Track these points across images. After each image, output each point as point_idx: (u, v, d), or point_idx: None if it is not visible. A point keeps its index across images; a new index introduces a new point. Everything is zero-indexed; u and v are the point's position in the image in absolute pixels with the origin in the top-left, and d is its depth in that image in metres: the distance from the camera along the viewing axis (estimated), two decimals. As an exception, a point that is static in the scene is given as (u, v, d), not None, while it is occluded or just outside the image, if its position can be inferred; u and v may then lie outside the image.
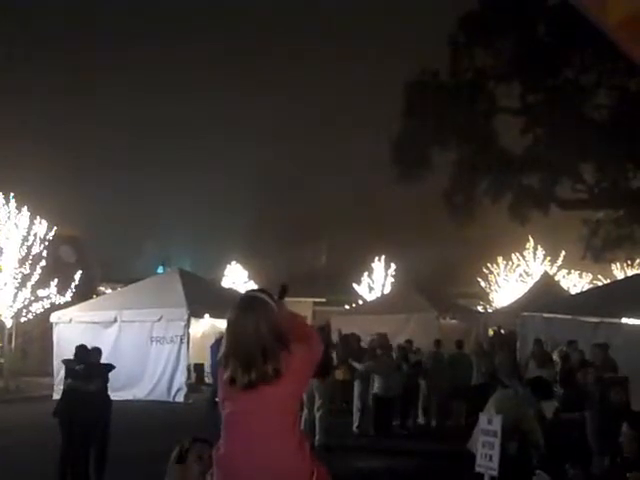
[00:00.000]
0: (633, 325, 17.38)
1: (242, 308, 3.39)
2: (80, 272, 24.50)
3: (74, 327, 20.35)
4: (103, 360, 9.99)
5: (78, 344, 9.89)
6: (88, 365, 9.27)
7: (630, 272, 34.09)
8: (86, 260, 38.03)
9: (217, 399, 3.52)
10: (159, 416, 10.94)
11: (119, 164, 63.97)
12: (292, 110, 74.08)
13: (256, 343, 3.23)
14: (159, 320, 19.50)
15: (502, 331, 23.77)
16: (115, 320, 20.00)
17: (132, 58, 66.20)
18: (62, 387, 9.70)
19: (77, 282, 23.53)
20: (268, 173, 60.32)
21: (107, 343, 19.48)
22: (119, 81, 69.23)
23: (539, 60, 19.10)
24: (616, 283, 24.66)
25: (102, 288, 38.53)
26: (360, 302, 37.82)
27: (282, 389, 3.23)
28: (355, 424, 14.38)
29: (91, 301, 23.56)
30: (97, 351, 9.81)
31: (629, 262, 35.70)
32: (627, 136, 18.13)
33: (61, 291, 22.76)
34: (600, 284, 33.07)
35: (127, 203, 60.95)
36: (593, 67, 19.10)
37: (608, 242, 21.26)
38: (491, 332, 25.15)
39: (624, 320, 17.37)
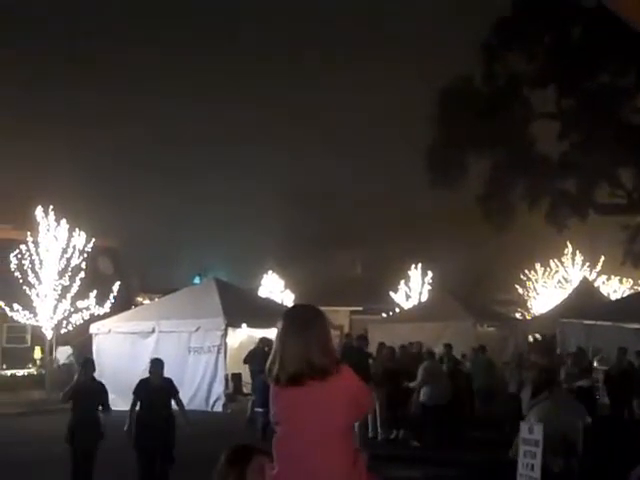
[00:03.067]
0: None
1: (292, 318, 3.37)
2: (118, 283, 24.74)
3: (113, 337, 20.58)
4: (140, 372, 10.39)
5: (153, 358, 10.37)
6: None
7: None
8: (124, 271, 38.42)
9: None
10: (199, 425, 11.00)
11: (155, 176, 64.49)
12: (324, 119, 74.34)
13: (305, 355, 3.19)
14: (197, 330, 19.58)
15: (537, 336, 23.56)
16: (153, 330, 20.14)
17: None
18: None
19: (115, 293, 23.74)
20: (302, 182, 60.56)
21: (145, 353, 19.61)
22: (157, 89, 69.98)
23: (574, 64, 18.93)
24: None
25: (140, 299, 38.89)
26: (397, 310, 37.68)
27: (331, 397, 3.19)
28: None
29: (129, 312, 23.76)
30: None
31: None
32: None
33: (100, 302, 22.99)
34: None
35: (164, 214, 61.52)
36: (630, 70, 18.88)
37: (647, 247, 20.99)
38: (530, 339, 24.91)
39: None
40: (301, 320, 3.33)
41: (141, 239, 49.48)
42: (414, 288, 42.49)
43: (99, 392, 9.70)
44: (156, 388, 9.51)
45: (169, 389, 9.80)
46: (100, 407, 9.55)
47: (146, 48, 65.09)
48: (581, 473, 6.41)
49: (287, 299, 41.01)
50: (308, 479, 3.15)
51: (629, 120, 19.92)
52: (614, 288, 40.70)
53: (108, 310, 22.95)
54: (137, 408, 9.51)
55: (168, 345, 19.70)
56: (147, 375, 9.72)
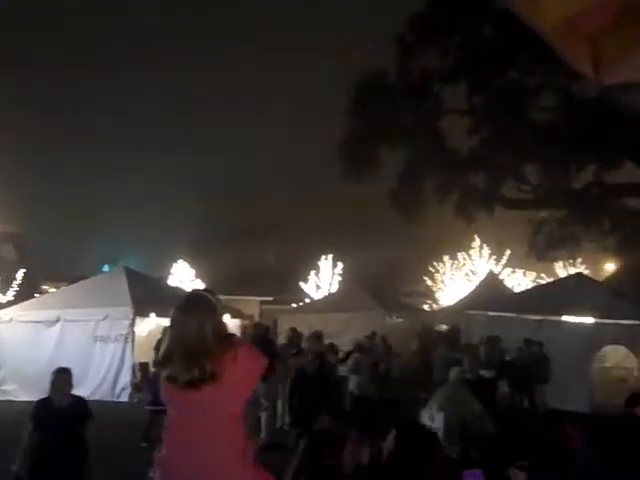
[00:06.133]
0: (573, 323, 17.78)
1: (186, 306, 3.37)
2: (23, 271, 24.07)
3: (15, 326, 19.99)
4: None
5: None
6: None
7: (572, 271, 34.72)
8: (29, 258, 37.45)
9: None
10: (105, 415, 10.80)
11: (65, 162, 62.92)
12: (240, 110, 73.94)
13: (199, 343, 3.21)
14: (104, 319, 19.27)
15: (444, 327, 24.05)
16: (58, 319, 19.67)
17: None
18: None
19: (19, 281, 23.10)
20: (214, 172, 60.09)
21: (49, 343, 19.27)
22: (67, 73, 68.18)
23: (485, 62, 19.32)
24: (558, 282, 25.18)
25: (46, 287, 37.97)
26: (307, 301, 37.86)
27: (223, 393, 3.21)
28: None
29: (33, 300, 23.17)
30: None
31: (571, 261, 36.34)
32: (569, 138, 18.46)
33: (2, 290, 22.33)
34: (543, 282, 33.65)
35: (72, 201, 60.10)
36: (537, 69, 19.37)
37: (551, 241, 21.57)
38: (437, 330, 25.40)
39: (565, 318, 17.75)
40: (190, 302, 3.37)
41: (48, 227, 48.29)
42: (324, 279, 42.82)
43: None
44: (61, 412, 6.87)
45: (81, 412, 7.08)
46: None
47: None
48: (479, 459, 6.57)
49: (197, 288, 40.65)
50: (192, 467, 3.19)
51: (535, 118, 20.46)
52: (519, 281, 41.85)
53: (12, 298, 22.32)
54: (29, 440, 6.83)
55: (73, 334, 19.36)
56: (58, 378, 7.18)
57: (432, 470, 3.26)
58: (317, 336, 12.69)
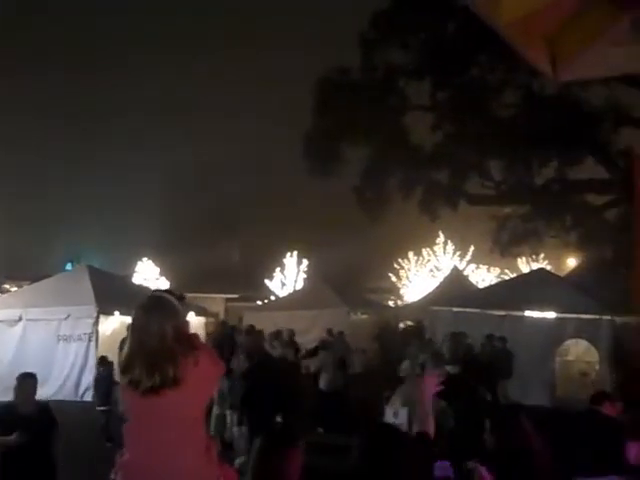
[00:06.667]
0: (536, 318, 17.99)
1: (147, 309, 3.34)
2: (-17, 269, 23.75)
3: (-23, 326, 19.72)
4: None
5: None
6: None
7: (535, 266, 35.09)
8: (-11, 257, 36.91)
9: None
10: (68, 415, 10.71)
11: (26, 155, 62.12)
12: (207, 106, 73.62)
13: (160, 346, 3.19)
14: (66, 318, 19.05)
15: (409, 323, 24.19)
16: (20, 319, 19.39)
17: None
18: None
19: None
20: (180, 170, 59.76)
21: (11, 342, 19.00)
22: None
23: (448, 58, 19.42)
24: (521, 277, 25.42)
25: (7, 286, 37.50)
26: (272, 298, 37.85)
27: (184, 397, 3.20)
28: None
29: (-5, 299, 22.88)
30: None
31: (534, 257, 36.75)
32: (531, 134, 18.64)
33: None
34: (507, 278, 33.98)
35: (34, 198, 59.39)
36: (499, 66, 19.52)
37: (514, 237, 21.76)
38: (402, 326, 25.52)
39: (527, 313, 17.95)
40: (151, 303, 3.35)
41: (9, 224, 47.66)
42: (289, 276, 42.85)
43: None
44: (27, 419, 6.58)
45: (47, 421, 6.86)
46: None
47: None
48: (440, 454, 6.60)
49: (162, 286, 40.46)
50: (157, 469, 3.18)
51: (497, 114, 20.62)
52: (482, 277, 42.21)
53: (-29, 297, 22.01)
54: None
55: (36, 334, 19.11)
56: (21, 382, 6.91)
57: (407, 469, 3.28)
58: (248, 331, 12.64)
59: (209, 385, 3.46)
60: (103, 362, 14.11)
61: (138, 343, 3.26)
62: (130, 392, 3.26)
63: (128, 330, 3.41)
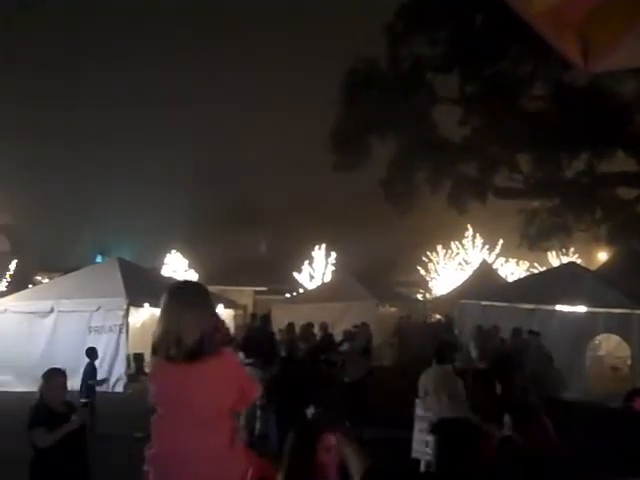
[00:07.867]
0: (566, 312, 17.84)
1: (180, 297, 3.39)
2: (15, 261, 24.03)
3: (9, 317, 19.98)
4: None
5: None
6: None
7: (565, 260, 34.81)
8: (22, 249, 37.35)
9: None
10: (100, 407, 10.88)
11: (55, 151, 62.68)
12: (229, 98, 73.75)
13: (201, 332, 3.24)
14: (97, 310, 19.27)
15: (438, 316, 24.13)
16: (52, 310, 19.66)
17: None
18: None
19: (12, 271, 23.06)
20: (208, 161, 59.96)
21: (43, 334, 19.26)
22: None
23: (476, 51, 19.28)
24: (550, 271, 25.24)
25: (39, 278, 37.85)
26: (300, 290, 37.91)
27: (210, 391, 3.24)
28: None
29: (27, 291, 23.16)
30: None
31: (564, 250, 36.45)
32: (561, 127, 18.47)
33: (-5, 280, 22.31)
34: (536, 272, 33.73)
35: (65, 192, 59.94)
36: (529, 58, 19.36)
37: (543, 231, 21.59)
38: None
39: (558, 307, 17.80)
40: (192, 295, 3.39)
41: (41, 217, 48.14)
42: (318, 269, 42.86)
43: None
44: (62, 419, 6.26)
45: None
46: None
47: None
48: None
49: (191, 278, 40.68)
50: (177, 460, 3.23)
51: (527, 107, 20.45)
52: (511, 270, 41.96)
53: (4, 289, 22.28)
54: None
55: (67, 325, 19.35)
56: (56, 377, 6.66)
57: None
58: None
59: (233, 387, 3.43)
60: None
61: (177, 324, 3.28)
62: (161, 368, 3.33)
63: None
